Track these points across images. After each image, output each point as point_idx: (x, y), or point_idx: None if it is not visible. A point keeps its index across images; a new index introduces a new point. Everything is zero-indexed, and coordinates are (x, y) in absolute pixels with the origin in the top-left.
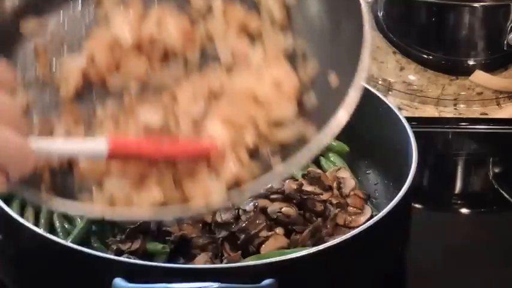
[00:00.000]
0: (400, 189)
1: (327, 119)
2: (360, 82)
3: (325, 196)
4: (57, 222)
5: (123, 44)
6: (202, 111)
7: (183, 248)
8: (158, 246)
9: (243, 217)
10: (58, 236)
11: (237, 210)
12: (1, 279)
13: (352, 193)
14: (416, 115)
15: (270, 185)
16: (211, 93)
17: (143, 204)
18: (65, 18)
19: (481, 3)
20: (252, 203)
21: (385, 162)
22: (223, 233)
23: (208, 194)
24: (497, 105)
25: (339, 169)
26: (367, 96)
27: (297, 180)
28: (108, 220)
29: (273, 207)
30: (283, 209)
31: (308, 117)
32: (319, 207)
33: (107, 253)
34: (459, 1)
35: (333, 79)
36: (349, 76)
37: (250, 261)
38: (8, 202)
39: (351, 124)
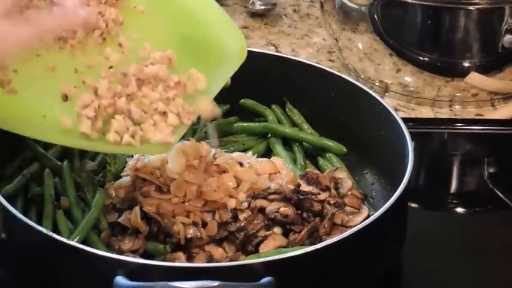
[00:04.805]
0: (396, 189)
1: None
2: None
3: (322, 196)
4: (60, 221)
5: None
6: None
7: (183, 247)
8: (159, 246)
9: (241, 217)
10: (61, 235)
11: (235, 211)
12: (4, 277)
13: (349, 193)
14: (412, 116)
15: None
16: None
17: None
18: None
19: (476, 6)
20: (249, 203)
21: (381, 162)
22: (222, 233)
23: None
24: (492, 106)
25: (336, 169)
26: (364, 98)
27: (296, 181)
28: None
29: (271, 207)
30: (280, 209)
31: None
32: (317, 207)
33: (108, 252)
34: (455, 4)
35: None
36: None
37: (249, 260)
38: (11, 201)
39: (348, 125)
